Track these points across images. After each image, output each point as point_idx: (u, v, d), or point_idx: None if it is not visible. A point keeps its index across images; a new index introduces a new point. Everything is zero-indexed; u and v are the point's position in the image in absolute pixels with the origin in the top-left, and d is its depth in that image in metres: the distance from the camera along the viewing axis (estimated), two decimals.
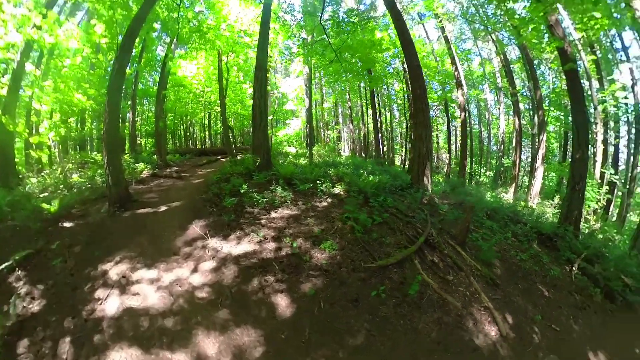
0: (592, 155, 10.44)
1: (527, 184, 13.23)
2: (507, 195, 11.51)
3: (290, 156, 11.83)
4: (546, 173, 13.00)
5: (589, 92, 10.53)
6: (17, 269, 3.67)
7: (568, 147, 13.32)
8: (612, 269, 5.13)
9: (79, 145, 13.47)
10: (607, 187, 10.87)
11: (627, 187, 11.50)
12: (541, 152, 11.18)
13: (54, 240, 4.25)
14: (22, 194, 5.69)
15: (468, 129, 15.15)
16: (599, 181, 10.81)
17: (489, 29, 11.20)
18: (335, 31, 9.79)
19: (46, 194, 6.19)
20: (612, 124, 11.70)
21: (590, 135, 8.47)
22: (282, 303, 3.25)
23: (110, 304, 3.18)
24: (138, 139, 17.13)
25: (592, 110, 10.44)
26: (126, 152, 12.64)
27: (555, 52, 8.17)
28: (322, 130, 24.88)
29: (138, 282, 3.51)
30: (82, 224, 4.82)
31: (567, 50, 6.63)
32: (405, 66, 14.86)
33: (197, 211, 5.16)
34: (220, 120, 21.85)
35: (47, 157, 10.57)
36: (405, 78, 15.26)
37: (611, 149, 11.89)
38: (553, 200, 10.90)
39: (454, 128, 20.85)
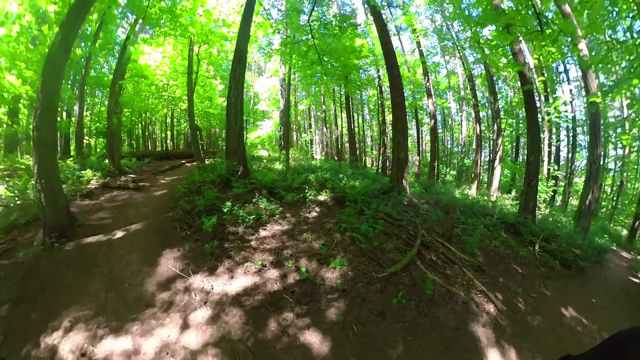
0: (541, 157, 12.45)
1: (486, 180, 15.06)
2: (471, 191, 12.95)
3: (264, 160, 11.10)
4: (502, 171, 15.13)
5: (539, 106, 12.63)
6: None
7: (520, 148, 16.05)
8: (565, 244, 6.43)
9: (7, 145, 10.64)
10: (553, 181, 13.31)
11: (567, 179, 14.55)
12: (499, 153, 13.07)
13: None
14: None
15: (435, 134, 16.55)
16: (547, 176, 13.22)
17: (458, 48, 12.67)
18: (321, 33, 9.77)
19: None
20: (555, 130, 14.30)
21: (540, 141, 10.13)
22: (315, 340, 2.82)
23: None
24: (87, 138, 14.54)
25: (540, 120, 12.39)
26: (71, 155, 10.72)
27: (512, 71, 9.66)
28: (294, 133, 25.01)
29: None
30: (7, 265, 3.48)
31: (526, 75, 7.97)
32: (380, 74, 15.93)
33: (166, 236, 4.21)
34: (185, 120, 20.10)
35: None
36: (380, 85, 16.25)
37: (554, 149, 14.66)
38: (510, 194, 12.79)
39: (421, 132, 22.44)
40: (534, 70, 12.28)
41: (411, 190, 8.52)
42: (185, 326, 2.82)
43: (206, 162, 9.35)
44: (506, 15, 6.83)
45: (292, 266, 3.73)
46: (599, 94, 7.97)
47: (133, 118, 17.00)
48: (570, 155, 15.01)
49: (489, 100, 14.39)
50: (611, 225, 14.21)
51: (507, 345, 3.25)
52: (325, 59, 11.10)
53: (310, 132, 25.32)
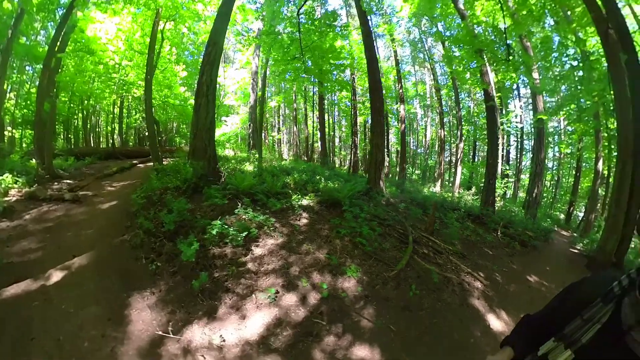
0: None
1: (448, 178, 17.06)
2: (436, 189, 14.33)
3: (232, 161, 10.11)
4: (462, 170, 17.39)
5: (496, 117, 14.60)
6: None
7: (477, 151, 19.33)
8: (520, 229, 7.82)
9: None
10: (506, 178, 16.19)
11: (516, 176, 17.63)
12: (460, 155, 14.92)
13: None
14: None
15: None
16: (501, 175, 15.58)
17: (428, 60, 14.11)
18: (307, 28, 9.59)
19: None
20: (506, 137, 16.83)
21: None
22: (365, 353, 2.72)
23: None
24: (9, 129, 11.03)
25: (496, 129, 14.45)
26: None
27: (478, 88, 11.23)
28: (263, 131, 24.17)
29: None
30: None
31: (490, 93, 9.16)
32: (355, 77, 16.58)
33: (128, 273, 3.21)
34: (138, 110, 17.14)
35: None
36: (354, 88, 16.90)
37: (506, 152, 17.55)
38: (470, 190, 14.87)
39: (389, 135, 23.82)
40: (494, 88, 14.30)
41: (387, 191, 8.93)
42: None
43: (164, 163, 8.08)
44: (480, 42, 7.95)
45: (307, 285, 3.37)
46: (545, 112, 9.99)
47: (72, 105, 13.60)
48: (518, 157, 18.36)
49: (453, 108, 16.02)
50: (552, 211, 17.93)
51: (498, 310, 3.97)
52: (307, 57, 11.07)
53: (279, 130, 24.53)
